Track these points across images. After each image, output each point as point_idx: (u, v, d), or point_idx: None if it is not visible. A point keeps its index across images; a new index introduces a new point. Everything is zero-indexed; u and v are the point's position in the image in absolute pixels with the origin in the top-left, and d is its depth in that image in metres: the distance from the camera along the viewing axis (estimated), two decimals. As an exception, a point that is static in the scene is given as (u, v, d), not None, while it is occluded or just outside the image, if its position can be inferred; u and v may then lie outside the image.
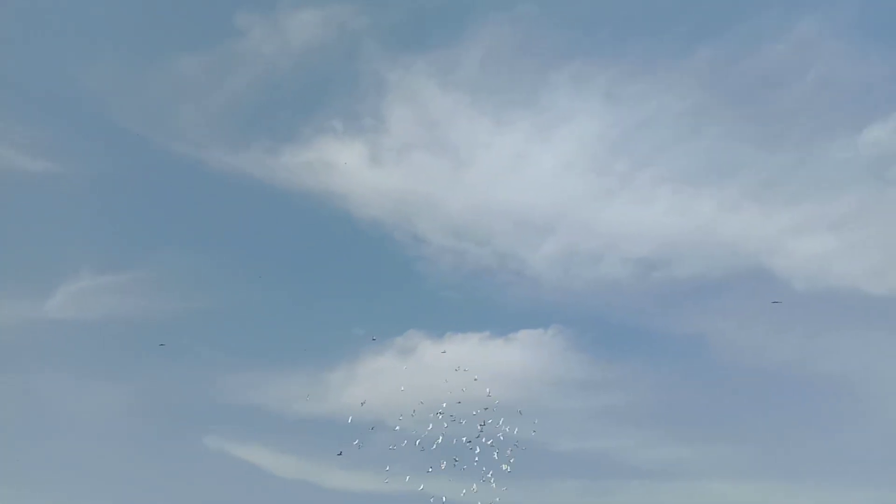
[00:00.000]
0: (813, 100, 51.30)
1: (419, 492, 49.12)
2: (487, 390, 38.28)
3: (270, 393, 52.75)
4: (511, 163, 57.42)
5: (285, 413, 52.46)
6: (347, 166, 57.60)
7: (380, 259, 60.50)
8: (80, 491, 41.78)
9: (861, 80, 51.30)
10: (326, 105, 61.62)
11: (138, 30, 58.40)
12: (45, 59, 56.83)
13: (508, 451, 41.82)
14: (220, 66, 57.48)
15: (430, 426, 51.15)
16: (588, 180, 54.46)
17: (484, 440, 51.72)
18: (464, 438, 51.91)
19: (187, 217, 58.50)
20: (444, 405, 38.04)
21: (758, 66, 53.01)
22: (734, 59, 54.52)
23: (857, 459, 40.35)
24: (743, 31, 55.19)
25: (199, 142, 58.09)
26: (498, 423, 50.57)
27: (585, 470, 47.16)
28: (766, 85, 53.13)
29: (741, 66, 53.68)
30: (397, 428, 49.62)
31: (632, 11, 57.78)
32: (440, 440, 50.09)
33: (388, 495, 48.59)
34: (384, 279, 61.01)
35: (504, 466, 36.85)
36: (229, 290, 57.06)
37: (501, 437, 51.20)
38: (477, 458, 49.91)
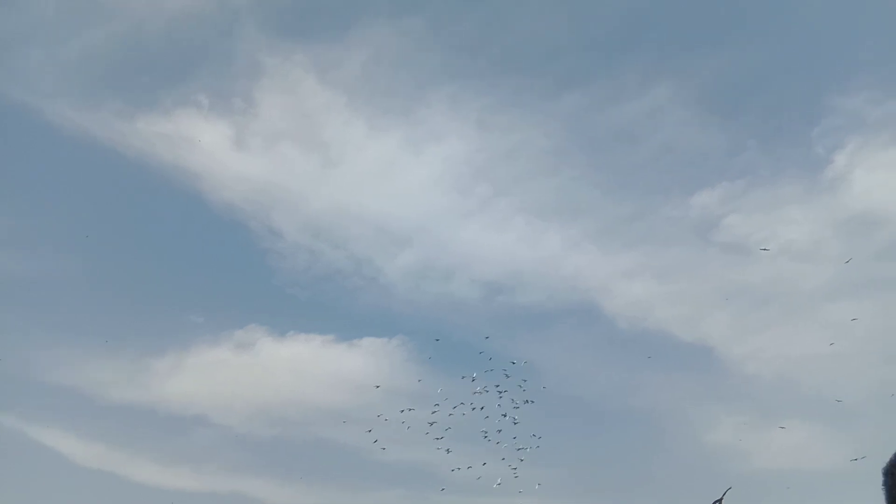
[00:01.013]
0: (656, 160, 56.38)
1: (234, 492, 47.48)
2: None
3: (84, 374, 49.24)
4: (379, 170, 57.75)
5: (99, 397, 48.83)
6: (207, 145, 55.03)
7: (229, 247, 58.22)
8: None
9: (698, 149, 57.19)
10: (194, 77, 58.75)
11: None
12: None
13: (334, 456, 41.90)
14: (79, 11, 52.63)
15: (260, 426, 50.14)
16: (451, 199, 56.04)
17: (312, 444, 51.52)
18: (294, 441, 51.45)
19: (12, 170, 52.74)
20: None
21: (614, 120, 57.47)
22: (595, 111, 58.67)
23: (657, 487, 44.60)
24: (606, 86, 59.70)
25: (44, 91, 52.79)
26: (331, 427, 50.62)
27: (407, 480, 48.03)
28: (619, 139, 57.68)
29: (600, 118, 57.93)
30: (224, 424, 47.78)
31: (512, 47, 60.64)
32: (269, 440, 49.18)
33: (202, 493, 46.48)
34: (230, 268, 58.73)
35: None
36: (49, 257, 52.35)
37: (329, 442, 51.35)
38: (303, 461, 49.51)
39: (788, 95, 54.79)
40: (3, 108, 52.11)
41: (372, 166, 57.22)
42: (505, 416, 27.88)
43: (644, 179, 56.30)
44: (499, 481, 27.70)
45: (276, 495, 47.60)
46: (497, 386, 28.19)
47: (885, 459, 4.14)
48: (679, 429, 46.85)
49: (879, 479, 4.16)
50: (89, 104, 56.00)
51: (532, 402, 27.70)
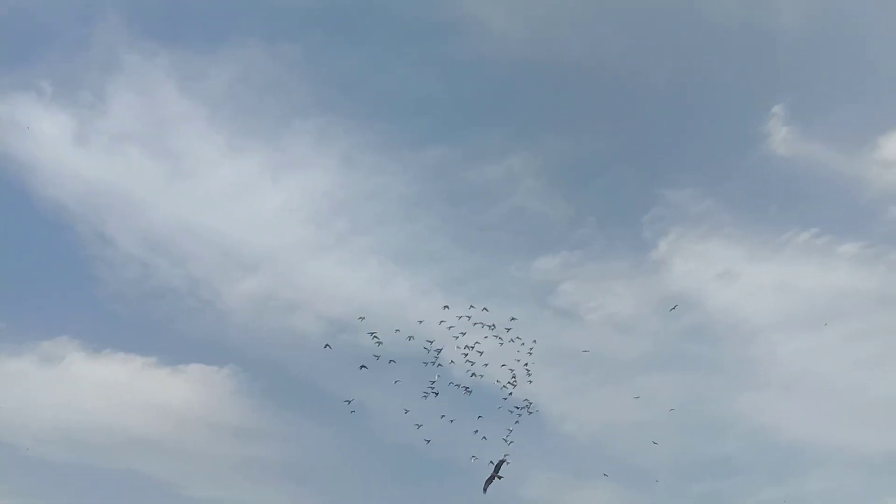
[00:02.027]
0: (507, 221, 59.54)
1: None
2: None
3: None
4: (233, 190, 55.67)
5: None
6: (44, 136, 50.23)
7: (50, 249, 53.04)
8: None
9: (545, 217, 61.22)
10: (39, 61, 53.92)
11: None
12: None
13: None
14: None
15: (58, 449, 44.72)
16: (306, 231, 55.10)
17: (117, 474, 46.77)
18: (97, 469, 46.29)
19: None
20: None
21: (473, 179, 60.28)
22: (457, 167, 61.23)
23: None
24: (470, 146, 62.50)
25: None
26: (141, 457, 46.38)
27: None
28: (477, 196, 60.41)
29: (461, 174, 60.48)
30: (13, 444, 42.20)
31: (387, 92, 61.88)
32: (66, 466, 44.00)
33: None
34: (47, 272, 53.32)
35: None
36: None
37: (137, 474, 46.92)
38: (104, 492, 44.73)
39: (627, 182, 60.53)
40: None
41: (226, 186, 55.10)
42: None
43: (494, 238, 58.85)
44: None
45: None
46: None
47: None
48: (497, 482, 48.50)
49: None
50: None
51: None
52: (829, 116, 60.70)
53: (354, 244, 55.44)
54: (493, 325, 34.80)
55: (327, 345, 34.81)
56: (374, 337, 31.76)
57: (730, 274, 55.11)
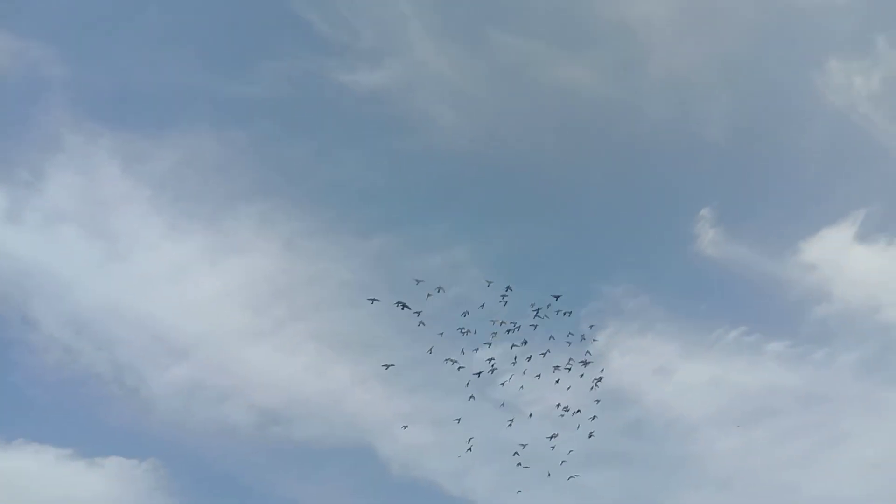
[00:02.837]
0: (449, 311, 60.04)
1: None
2: None
3: None
4: (170, 273, 54.43)
5: None
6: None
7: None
8: None
9: (487, 306, 61.93)
10: (-26, 136, 52.64)
11: None
12: None
13: None
14: None
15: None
16: (243, 316, 53.94)
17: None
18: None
19: None
20: None
21: (417, 268, 60.75)
22: (401, 256, 61.74)
23: None
24: (414, 235, 63.34)
25: None
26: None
27: None
28: (419, 285, 60.85)
29: (404, 264, 60.93)
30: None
31: (333, 180, 62.75)
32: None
33: None
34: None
35: None
36: None
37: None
38: None
39: (565, 275, 61.95)
40: None
41: (162, 268, 53.88)
42: None
43: (436, 327, 58.73)
44: None
45: None
46: None
47: None
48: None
49: None
50: None
51: None
52: (753, 220, 64.52)
53: (293, 330, 54.47)
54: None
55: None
56: None
57: (665, 370, 56.22)
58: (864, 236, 59.81)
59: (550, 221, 64.74)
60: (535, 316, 34.57)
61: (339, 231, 59.94)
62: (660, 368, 55.80)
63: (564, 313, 36.25)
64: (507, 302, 35.94)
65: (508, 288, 34.82)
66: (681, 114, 66.50)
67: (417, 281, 34.45)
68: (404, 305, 32.94)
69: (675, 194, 64.98)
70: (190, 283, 54.03)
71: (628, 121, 66.55)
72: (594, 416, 38.05)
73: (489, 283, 35.77)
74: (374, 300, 31.59)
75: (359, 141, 63.57)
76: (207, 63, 60.74)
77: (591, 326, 39.16)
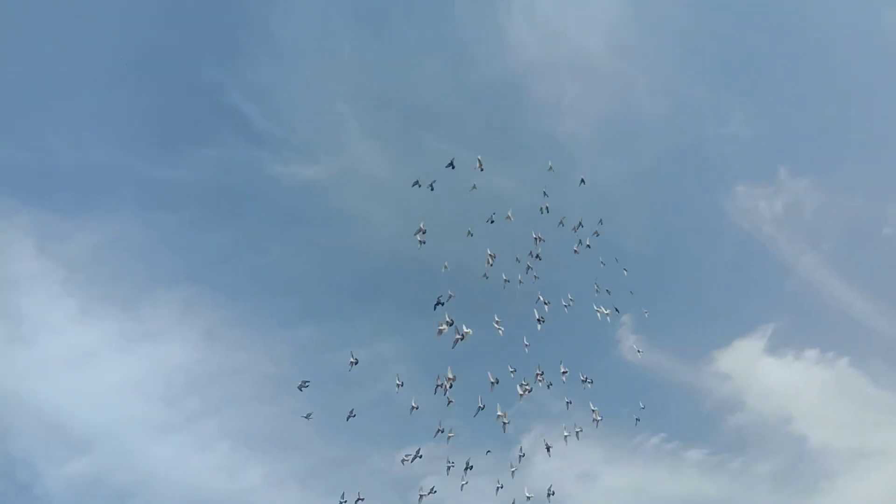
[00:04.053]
0: (374, 408, 58.43)
1: None
2: None
3: None
4: (76, 359, 51.03)
5: None
6: None
7: None
8: None
9: (407, 405, 60.88)
10: None
11: None
12: None
13: None
14: None
15: None
16: (152, 407, 50.66)
17: None
18: None
19: None
20: None
21: (343, 362, 59.56)
22: (326, 348, 60.43)
23: None
24: (342, 328, 62.54)
25: None
26: None
27: None
28: (343, 381, 59.36)
29: (330, 357, 59.58)
30: None
31: (263, 267, 61.70)
32: None
33: None
34: None
35: None
36: None
37: None
38: None
39: (494, 373, 61.94)
40: None
41: (69, 354, 50.53)
42: None
43: (359, 425, 56.98)
44: None
45: None
46: None
47: None
48: None
49: None
50: None
51: None
52: (670, 329, 67.23)
53: (205, 425, 51.50)
54: None
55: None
56: None
57: (589, 475, 56.02)
58: (773, 349, 63.39)
59: (477, 320, 65.39)
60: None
61: (265, 320, 58.44)
62: (584, 474, 55.63)
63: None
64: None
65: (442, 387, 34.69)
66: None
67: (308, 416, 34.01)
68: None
69: (597, 298, 67.45)
70: (97, 370, 50.81)
71: (554, 229, 69.57)
72: None
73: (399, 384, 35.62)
74: (304, 384, 30.70)
75: (288, 231, 63.49)
76: (137, 145, 60.27)
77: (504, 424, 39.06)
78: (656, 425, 58.64)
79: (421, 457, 32.85)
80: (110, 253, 55.30)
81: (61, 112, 58.16)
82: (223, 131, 62.57)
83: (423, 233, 35.10)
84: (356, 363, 32.81)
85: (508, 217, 37.18)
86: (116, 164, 58.65)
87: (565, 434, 38.52)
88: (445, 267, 35.16)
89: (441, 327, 33.68)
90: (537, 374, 35.92)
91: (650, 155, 70.47)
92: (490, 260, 35.95)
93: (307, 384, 31.02)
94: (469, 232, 38.00)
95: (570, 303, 38.20)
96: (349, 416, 32.67)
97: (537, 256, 40.05)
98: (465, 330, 34.53)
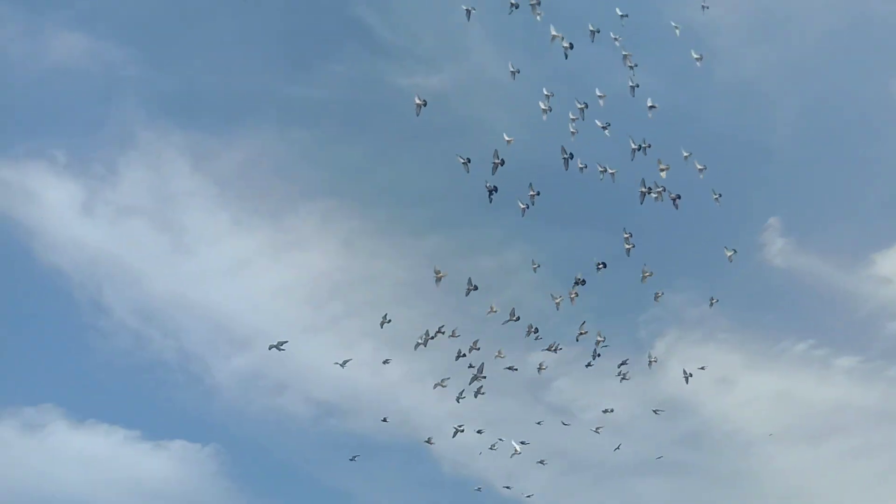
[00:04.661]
0: (503, 315, 59.75)
1: None
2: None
3: None
4: (233, 267, 56.16)
5: None
6: (49, 202, 51.34)
7: (45, 314, 52.93)
8: None
9: (541, 312, 61.42)
10: (56, 132, 55.74)
11: None
12: None
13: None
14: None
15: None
16: (301, 311, 55.09)
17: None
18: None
19: None
20: None
21: (472, 269, 60.31)
22: (456, 256, 61.93)
23: None
24: (470, 237, 63.48)
25: None
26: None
27: None
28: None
29: (459, 264, 60.93)
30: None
31: (392, 180, 63.47)
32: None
33: None
34: (40, 336, 52.99)
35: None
36: None
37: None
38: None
39: (624, 281, 60.85)
40: None
41: (226, 262, 55.59)
42: None
43: (489, 330, 58.74)
44: None
45: None
46: None
47: None
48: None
49: None
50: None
51: None
52: (824, 231, 61.98)
53: (348, 326, 55.30)
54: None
55: None
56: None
57: (726, 381, 54.57)
58: (943, 250, 56.94)
59: (610, 225, 63.78)
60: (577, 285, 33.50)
61: (396, 230, 60.61)
62: (721, 379, 54.23)
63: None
64: (558, 305, 35.27)
65: (578, 282, 33.86)
66: (746, 121, 64.59)
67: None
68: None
69: (742, 202, 63.06)
70: (251, 276, 55.63)
71: (692, 125, 65.03)
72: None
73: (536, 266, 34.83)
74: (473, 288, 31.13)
75: (415, 143, 64.14)
76: (273, 66, 62.43)
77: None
78: (803, 331, 55.50)
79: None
80: (255, 169, 59.09)
81: (202, 41, 61.24)
82: (349, 46, 63.14)
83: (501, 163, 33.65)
84: (474, 288, 33.03)
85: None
86: (255, 85, 61.36)
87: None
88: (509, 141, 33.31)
89: (439, 274, 32.83)
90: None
91: (802, 40, 62.92)
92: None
93: (284, 344, 31.22)
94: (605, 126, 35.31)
95: (718, 197, 35.42)
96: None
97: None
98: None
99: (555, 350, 35.98)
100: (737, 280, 61.36)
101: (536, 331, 34.86)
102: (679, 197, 33.21)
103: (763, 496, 49.44)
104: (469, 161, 31.85)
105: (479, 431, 36.26)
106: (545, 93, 32.88)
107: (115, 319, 52.17)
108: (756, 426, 51.78)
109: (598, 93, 33.85)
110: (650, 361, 38.10)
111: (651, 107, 35.34)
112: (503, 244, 61.27)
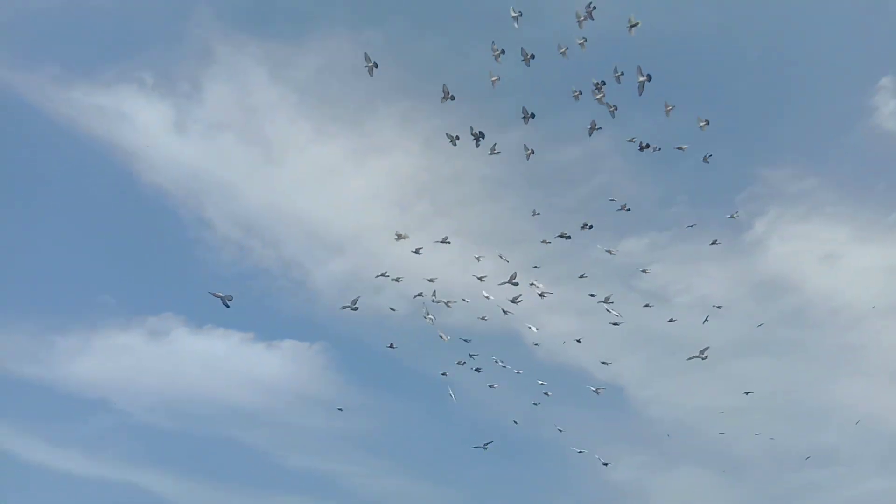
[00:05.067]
0: (591, 202, 58.69)
1: (127, 482, 45.35)
2: None
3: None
4: (320, 175, 57.38)
5: (-6, 369, 45.94)
6: (143, 124, 53.37)
7: (155, 231, 56.42)
8: None
9: (632, 197, 59.68)
10: (141, 54, 57.10)
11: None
12: None
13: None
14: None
15: (163, 417, 48.00)
16: (389, 213, 56.11)
17: (216, 442, 49.78)
18: (198, 437, 49.45)
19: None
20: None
21: (556, 159, 59.45)
22: (540, 148, 60.49)
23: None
24: (552, 126, 61.67)
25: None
26: (238, 427, 49.07)
27: (310, 488, 47.36)
28: (559, 178, 59.51)
29: (544, 156, 59.64)
30: (126, 411, 45.42)
31: (468, 75, 61.65)
32: (171, 433, 47.18)
33: (91, 479, 44.26)
34: (153, 253, 56.81)
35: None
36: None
37: (234, 441, 49.70)
38: (205, 458, 47.70)
39: (720, 159, 57.83)
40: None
41: (313, 170, 56.83)
42: None
43: (578, 219, 57.97)
44: None
45: (172, 490, 45.96)
46: None
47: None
48: (583, 463, 48.24)
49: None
50: (23, 65, 53.48)
51: None
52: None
53: (436, 225, 55.96)
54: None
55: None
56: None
57: (832, 256, 52.10)
58: None
59: (703, 100, 60.02)
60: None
61: (476, 125, 59.47)
62: (826, 255, 51.83)
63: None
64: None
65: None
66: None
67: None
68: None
69: (849, 62, 57.48)
70: (339, 183, 56.73)
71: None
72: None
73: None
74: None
75: (488, 35, 61.55)
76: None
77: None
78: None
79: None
80: (331, 75, 58.84)
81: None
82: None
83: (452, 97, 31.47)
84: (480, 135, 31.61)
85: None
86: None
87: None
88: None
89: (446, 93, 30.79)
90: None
91: None
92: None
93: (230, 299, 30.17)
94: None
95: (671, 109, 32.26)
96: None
97: None
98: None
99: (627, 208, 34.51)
100: (845, 148, 57.14)
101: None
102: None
103: (869, 373, 48.17)
104: (533, 57, 30.25)
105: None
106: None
107: (218, 233, 55.14)
108: (863, 302, 49.67)
109: None
110: (732, 215, 35.80)
111: None
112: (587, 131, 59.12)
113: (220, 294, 27.26)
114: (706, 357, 29.85)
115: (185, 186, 55.60)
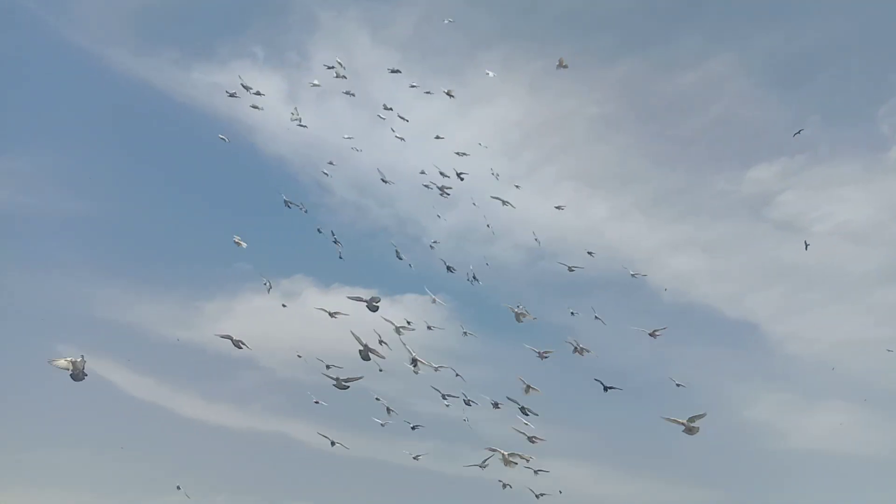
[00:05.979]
0: (711, 132, 55.26)
1: (276, 432, 49.49)
2: None
3: (136, 311, 51.07)
4: (427, 130, 57.85)
5: (151, 334, 50.93)
6: (261, 98, 55.83)
7: (279, 199, 59.47)
8: None
9: (757, 122, 55.74)
10: (249, 29, 59.47)
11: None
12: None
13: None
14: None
15: (301, 372, 51.61)
16: (497, 163, 55.70)
17: (350, 392, 52.84)
18: (333, 388, 52.75)
19: (70, 113, 54.62)
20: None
21: (669, 89, 56.43)
22: (650, 79, 57.66)
23: (683, 460, 44.98)
24: (664, 54, 58.44)
25: (103, 37, 54.29)
26: (368, 377, 51.84)
27: (440, 433, 49.40)
28: (673, 109, 56.61)
29: (655, 87, 56.80)
30: (268, 367, 49.24)
31: (569, 10, 59.52)
32: (310, 386, 50.78)
33: (244, 431, 48.67)
34: (280, 219, 60.12)
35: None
36: (108, 198, 54.19)
37: (367, 392, 52.59)
38: (341, 408, 51.10)
39: (856, 71, 52.64)
40: (65, 54, 53.98)
41: (419, 127, 57.23)
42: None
43: (696, 151, 55.26)
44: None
45: (316, 440, 49.63)
46: None
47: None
48: (717, 404, 46.87)
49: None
50: (147, 52, 57.44)
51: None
52: None
53: (546, 172, 55.21)
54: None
55: None
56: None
57: None
58: None
59: (831, 11, 54.40)
60: None
61: (581, 63, 57.55)
62: None
63: None
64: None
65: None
66: None
67: None
68: None
69: None
70: (446, 136, 56.95)
71: None
72: None
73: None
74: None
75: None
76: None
77: None
78: None
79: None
80: (428, 28, 58.60)
81: None
82: None
83: None
84: None
85: None
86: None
87: None
88: None
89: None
90: None
91: None
92: None
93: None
94: None
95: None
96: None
97: None
98: None
99: None
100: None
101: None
102: None
103: None
104: None
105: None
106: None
107: (337, 196, 57.34)
108: None
109: None
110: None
111: None
112: (703, 54, 55.62)
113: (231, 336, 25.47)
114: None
115: (302, 154, 58.09)
